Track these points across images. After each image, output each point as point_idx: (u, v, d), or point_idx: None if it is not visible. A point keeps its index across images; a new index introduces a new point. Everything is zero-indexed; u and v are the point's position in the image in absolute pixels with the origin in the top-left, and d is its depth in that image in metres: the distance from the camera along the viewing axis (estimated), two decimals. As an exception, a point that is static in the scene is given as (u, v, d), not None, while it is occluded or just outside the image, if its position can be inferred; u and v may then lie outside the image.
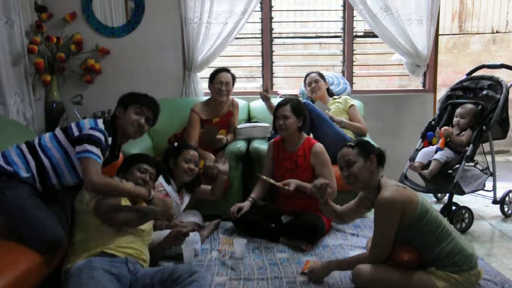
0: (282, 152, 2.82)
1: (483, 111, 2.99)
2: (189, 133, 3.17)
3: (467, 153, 2.92)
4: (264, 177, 2.73)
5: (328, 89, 3.53)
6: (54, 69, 3.51)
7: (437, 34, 3.82)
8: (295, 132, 2.76)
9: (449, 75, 6.08)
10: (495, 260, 2.45)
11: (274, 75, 3.97)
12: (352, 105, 3.40)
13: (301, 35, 4.05)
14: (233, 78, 3.26)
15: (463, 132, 3.04)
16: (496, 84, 3.09)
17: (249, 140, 3.24)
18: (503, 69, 3.19)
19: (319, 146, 2.75)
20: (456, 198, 3.00)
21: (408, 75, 3.89)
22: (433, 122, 3.29)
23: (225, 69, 3.25)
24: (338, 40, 3.96)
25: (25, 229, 1.85)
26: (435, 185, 3.08)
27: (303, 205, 2.70)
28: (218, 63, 3.75)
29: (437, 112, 3.33)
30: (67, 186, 2.12)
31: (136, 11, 3.70)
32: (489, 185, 3.12)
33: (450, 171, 3.02)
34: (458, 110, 3.09)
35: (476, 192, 3.09)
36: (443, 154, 2.98)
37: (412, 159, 3.15)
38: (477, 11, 6.08)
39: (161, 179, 2.56)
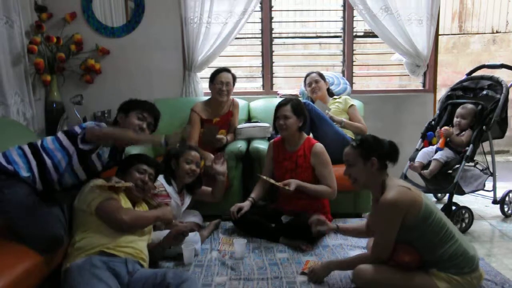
0: (282, 152, 2.82)
1: (483, 111, 3.00)
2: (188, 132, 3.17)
3: (467, 153, 2.92)
4: (264, 177, 2.73)
5: (328, 89, 3.53)
6: (54, 69, 3.51)
7: (437, 34, 3.83)
8: (296, 132, 2.76)
9: (449, 75, 6.08)
10: (495, 260, 2.45)
11: (274, 75, 3.97)
12: (352, 105, 3.39)
13: (301, 35, 4.05)
14: (234, 78, 3.26)
15: (463, 132, 3.04)
16: (496, 84, 3.09)
17: (249, 140, 3.24)
18: (503, 69, 3.20)
19: (319, 146, 2.75)
20: (456, 198, 3.00)
21: (408, 75, 3.89)
22: (433, 122, 3.30)
23: (226, 69, 3.25)
24: (338, 40, 3.96)
25: (25, 228, 1.85)
26: (435, 185, 3.08)
27: (303, 205, 2.70)
28: (218, 63, 3.75)
29: (437, 112, 3.33)
30: (65, 187, 2.13)
31: (136, 11, 3.70)
32: (489, 185, 3.12)
33: (450, 171, 3.02)
34: (459, 111, 3.09)
35: (476, 192, 3.09)
36: (443, 154, 2.98)
37: (412, 159, 3.15)
38: (477, 11, 6.08)
39: (162, 180, 2.56)
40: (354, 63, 3.95)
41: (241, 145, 3.11)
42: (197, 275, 2.24)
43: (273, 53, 3.92)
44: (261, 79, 3.95)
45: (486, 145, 3.14)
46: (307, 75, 3.50)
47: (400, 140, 3.82)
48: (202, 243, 2.60)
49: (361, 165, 2.01)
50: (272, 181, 2.70)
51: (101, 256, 1.90)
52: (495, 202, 3.14)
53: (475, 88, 3.24)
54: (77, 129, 2.12)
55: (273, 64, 3.94)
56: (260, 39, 3.89)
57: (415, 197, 1.92)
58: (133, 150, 2.73)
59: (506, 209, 3.17)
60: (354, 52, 3.93)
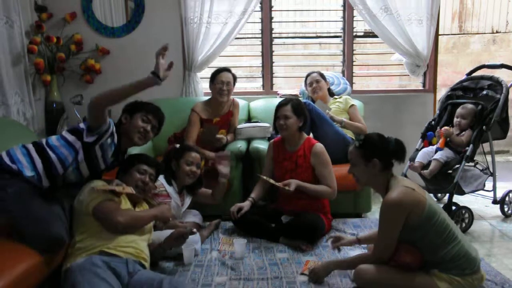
0: (282, 152, 2.82)
1: (483, 111, 3.00)
2: (188, 132, 3.17)
3: (467, 153, 2.92)
4: (264, 177, 2.73)
5: (329, 89, 3.53)
6: (54, 69, 3.51)
7: (437, 34, 3.83)
8: (296, 132, 2.76)
9: (449, 75, 6.08)
10: (495, 260, 2.45)
11: (274, 75, 3.97)
12: (353, 105, 3.39)
13: (301, 35, 4.05)
14: (234, 78, 3.26)
15: (463, 132, 3.04)
16: (496, 84, 3.10)
17: (249, 140, 3.24)
18: (503, 69, 3.20)
19: (319, 146, 2.75)
20: (456, 198, 3.00)
21: (408, 75, 3.89)
22: (433, 122, 3.30)
23: (226, 69, 3.25)
24: (338, 40, 3.96)
25: (27, 227, 1.85)
26: (435, 185, 3.08)
27: (303, 205, 2.70)
28: (218, 63, 3.75)
29: (437, 112, 3.33)
30: (67, 183, 2.13)
31: (136, 11, 3.70)
32: (489, 185, 3.13)
33: (450, 171, 3.02)
34: (459, 111, 3.09)
35: (476, 192, 3.10)
36: (443, 154, 2.98)
37: (412, 159, 3.15)
38: (477, 11, 6.08)
39: (162, 180, 2.56)
40: (354, 63, 3.94)
41: (241, 145, 3.12)
42: (197, 275, 2.24)
43: (273, 53, 3.92)
44: (261, 79, 3.95)
45: (486, 145, 3.14)
46: (308, 75, 3.50)
47: (400, 140, 3.86)
48: (202, 243, 2.60)
49: (363, 166, 2.01)
50: (272, 181, 2.70)
51: (102, 256, 1.90)
52: (495, 202, 3.14)
53: (475, 88, 3.24)
54: (81, 125, 2.14)
55: (273, 64, 3.94)
56: (260, 39, 3.89)
57: (418, 197, 1.91)
58: (134, 150, 2.73)
59: (506, 209, 3.17)
60: (354, 52, 3.93)
